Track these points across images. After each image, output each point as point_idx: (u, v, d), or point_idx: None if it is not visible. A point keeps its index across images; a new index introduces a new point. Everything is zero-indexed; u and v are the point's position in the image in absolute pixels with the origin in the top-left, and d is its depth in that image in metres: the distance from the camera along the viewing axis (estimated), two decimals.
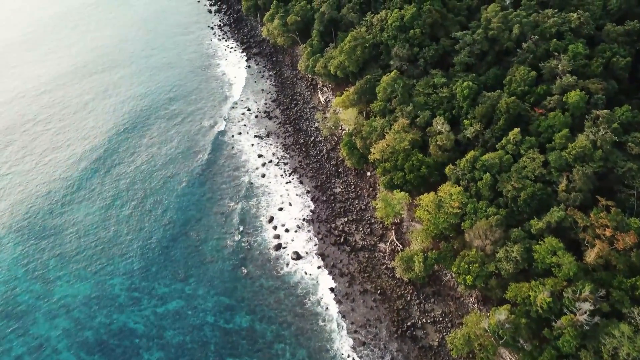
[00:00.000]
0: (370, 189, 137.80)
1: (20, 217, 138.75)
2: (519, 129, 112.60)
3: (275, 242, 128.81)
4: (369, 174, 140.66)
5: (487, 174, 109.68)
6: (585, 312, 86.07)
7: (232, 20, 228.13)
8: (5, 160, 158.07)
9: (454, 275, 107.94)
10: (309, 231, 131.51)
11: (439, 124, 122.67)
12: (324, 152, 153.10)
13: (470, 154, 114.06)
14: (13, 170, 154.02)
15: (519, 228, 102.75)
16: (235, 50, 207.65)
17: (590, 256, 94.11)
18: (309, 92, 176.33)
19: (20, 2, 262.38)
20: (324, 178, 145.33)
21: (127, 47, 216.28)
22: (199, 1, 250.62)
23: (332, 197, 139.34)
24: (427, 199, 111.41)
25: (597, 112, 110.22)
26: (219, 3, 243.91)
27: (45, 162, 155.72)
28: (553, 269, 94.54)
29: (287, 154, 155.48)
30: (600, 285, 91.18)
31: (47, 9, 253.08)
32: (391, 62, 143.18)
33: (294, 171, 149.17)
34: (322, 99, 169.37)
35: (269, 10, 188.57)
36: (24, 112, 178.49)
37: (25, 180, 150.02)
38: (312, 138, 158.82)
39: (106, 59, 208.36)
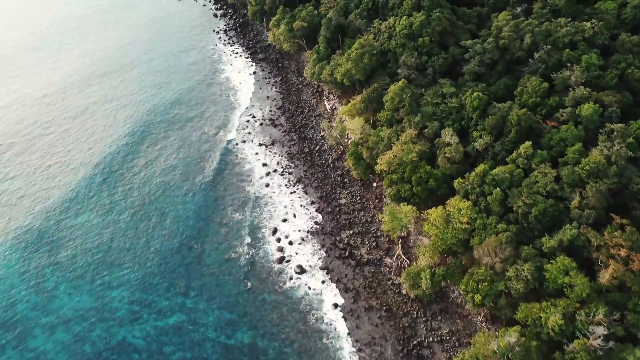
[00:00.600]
0: (377, 201, 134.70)
1: (18, 224, 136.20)
2: (530, 142, 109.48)
3: (279, 255, 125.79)
4: (375, 184, 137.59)
5: (497, 188, 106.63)
6: (599, 337, 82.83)
7: (237, 25, 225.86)
8: (4, 165, 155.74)
9: (462, 292, 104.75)
10: (313, 244, 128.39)
11: (448, 136, 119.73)
12: (330, 161, 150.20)
13: (480, 167, 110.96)
14: (12, 175, 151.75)
15: (530, 246, 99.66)
16: (240, 56, 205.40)
17: (604, 277, 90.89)
18: (315, 100, 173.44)
19: (24, 5, 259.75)
20: (329, 188, 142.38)
21: (130, 51, 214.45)
22: (204, 5, 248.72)
23: (337, 209, 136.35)
24: (435, 213, 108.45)
25: (612, 125, 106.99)
26: (224, 7, 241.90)
27: (45, 168, 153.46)
28: (565, 290, 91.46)
29: (291, 163, 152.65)
30: (614, 308, 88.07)
31: (50, 11, 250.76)
32: (399, 71, 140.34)
33: (299, 181, 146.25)
34: (328, 107, 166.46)
35: (275, 15, 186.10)
36: (24, 117, 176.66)
37: (24, 186, 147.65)
38: (318, 147, 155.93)
39: (108, 63, 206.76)
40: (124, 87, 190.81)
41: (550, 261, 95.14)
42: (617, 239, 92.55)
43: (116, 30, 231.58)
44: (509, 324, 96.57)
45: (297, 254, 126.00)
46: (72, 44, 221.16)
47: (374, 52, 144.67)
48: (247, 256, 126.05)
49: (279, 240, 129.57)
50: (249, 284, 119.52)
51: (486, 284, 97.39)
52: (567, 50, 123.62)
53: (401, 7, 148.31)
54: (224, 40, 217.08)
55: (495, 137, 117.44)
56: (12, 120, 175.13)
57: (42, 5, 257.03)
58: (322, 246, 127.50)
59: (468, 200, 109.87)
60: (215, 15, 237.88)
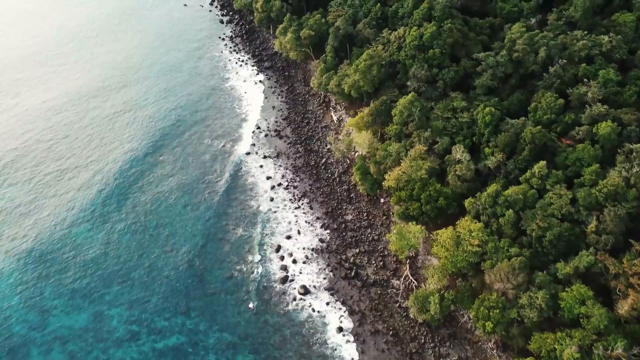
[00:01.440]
0: (384, 217, 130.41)
1: (14, 236, 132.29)
2: (545, 162, 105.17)
3: (282, 274, 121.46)
4: (382, 200, 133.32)
5: (510, 210, 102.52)
6: None
7: (243, 32, 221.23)
8: (2, 176, 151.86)
9: (472, 318, 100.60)
10: (318, 263, 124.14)
11: (459, 152, 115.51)
12: (336, 175, 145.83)
13: (492, 187, 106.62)
14: (8, 184, 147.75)
15: (544, 272, 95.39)
16: (246, 64, 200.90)
17: (623, 307, 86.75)
18: (322, 110, 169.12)
19: (33, 15, 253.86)
20: (335, 204, 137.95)
21: (133, 58, 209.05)
22: (210, 11, 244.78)
23: (343, 225, 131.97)
24: (445, 234, 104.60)
25: (630, 145, 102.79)
26: (230, 13, 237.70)
27: (45, 180, 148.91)
28: (581, 320, 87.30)
29: (297, 176, 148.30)
30: (634, 341, 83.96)
31: (53, 15, 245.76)
32: (408, 83, 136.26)
33: (304, 195, 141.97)
34: (334, 118, 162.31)
35: (282, 23, 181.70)
36: (23, 124, 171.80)
37: (20, 196, 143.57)
38: (324, 160, 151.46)
39: (110, 69, 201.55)
40: (125, 95, 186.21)
41: (566, 289, 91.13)
42: (637, 267, 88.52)
43: (119, 36, 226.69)
44: (521, 354, 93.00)
45: (301, 273, 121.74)
46: (73, 51, 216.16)
47: (383, 63, 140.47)
48: (250, 275, 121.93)
49: (282, 258, 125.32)
50: (251, 305, 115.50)
51: (498, 311, 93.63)
52: (584, 64, 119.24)
53: (411, 17, 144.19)
54: (230, 48, 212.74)
55: (508, 154, 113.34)
56: (11, 127, 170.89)
57: (44, 12, 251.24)
58: (327, 265, 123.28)
59: (479, 221, 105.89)
60: (221, 22, 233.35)
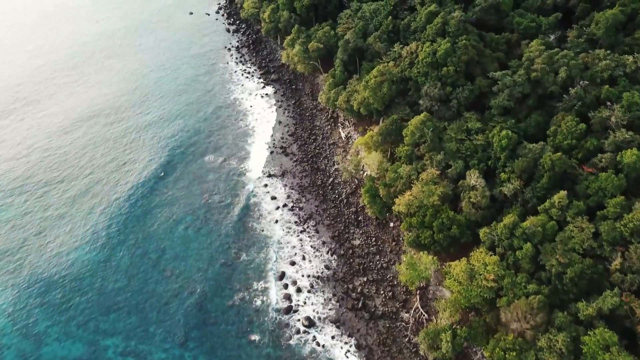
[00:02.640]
0: (394, 243, 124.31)
1: (7, 258, 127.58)
2: (565, 192, 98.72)
3: (286, 304, 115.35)
4: (392, 224, 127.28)
5: (528, 243, 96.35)
6: None
7: (250, 42, 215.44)
8: None
9: (485, 356, 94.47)
10: (323, 292, 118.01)
11: (473, 178, 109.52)
12: (343, 196, 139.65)
13: (509, 218, 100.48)
14: (2, 203, 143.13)
15: (565, 312, 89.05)
16: (252, 75, 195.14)
17: None
18: (329, 126, 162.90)
19: (36, 31, 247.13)
20: (342, 227, 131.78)
21: (135, 68, 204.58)
22: (216, 19, 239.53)
23: (351, 251, 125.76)
24: (458, 267, 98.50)
25: None
26: (237, 22, 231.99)
27: (39, 195, 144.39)
28: None
29: (302, 196, 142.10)
30: None
31: (60, 36, 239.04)
32: (420, 102, 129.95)
33: (310, 217, 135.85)
34: (343, 135, 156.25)
35: (290, 34, 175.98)
36: (21, 140, 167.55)
37: (16, 215, 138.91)
38: (331, 179, 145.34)
39: (114, 81, 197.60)
40: (124, 107, 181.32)
41: (588, 332, 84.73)
42: None
43: (121, 43, 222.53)
44: None
45: (305, 303, 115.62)
46: (76, 66, 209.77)
47: (394, 79, 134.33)
48: (252, 304, 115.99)
49: (286, 286, 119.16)
50: (253, 337, 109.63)
51: (514, 353, 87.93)
52: (607, 86, 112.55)
53: (424, 32, 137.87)
54: (236, 58, 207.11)
55: (526, 181, 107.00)
56: (16, 146, 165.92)
57: (47, 26, 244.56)
58: (333, 295, 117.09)
59: (494, 253, 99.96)
60: (228, 30, 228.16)
